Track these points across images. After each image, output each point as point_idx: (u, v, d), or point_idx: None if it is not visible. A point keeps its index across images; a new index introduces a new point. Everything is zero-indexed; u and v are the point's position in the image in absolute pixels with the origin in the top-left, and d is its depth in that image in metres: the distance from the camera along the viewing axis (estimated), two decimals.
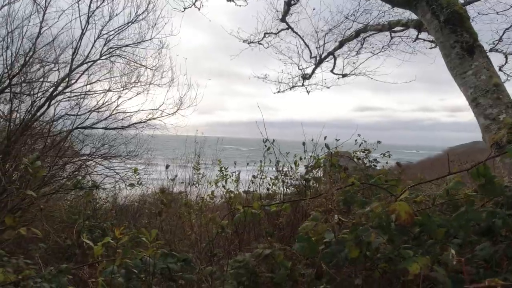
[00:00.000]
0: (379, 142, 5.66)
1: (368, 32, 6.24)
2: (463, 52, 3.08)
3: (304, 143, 5.15)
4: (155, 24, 8.25)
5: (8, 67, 7.30)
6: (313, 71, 7.54)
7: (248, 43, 7.89)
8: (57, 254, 5.34)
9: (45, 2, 7.38)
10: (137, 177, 6.97)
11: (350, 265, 2.01)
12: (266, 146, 5.02)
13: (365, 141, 5.51)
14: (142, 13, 8.12)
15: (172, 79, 8.61)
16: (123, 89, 8.40)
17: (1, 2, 7.30)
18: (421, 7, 3.36)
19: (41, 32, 7.39)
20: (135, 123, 8.47)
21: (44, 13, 7.35)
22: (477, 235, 2.38)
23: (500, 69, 7.51)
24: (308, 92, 8.00)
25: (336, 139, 5.31)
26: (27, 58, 7.46)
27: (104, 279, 2.41)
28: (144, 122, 8.50)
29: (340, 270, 2.05)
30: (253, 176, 5.68)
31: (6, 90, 7.33)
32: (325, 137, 5.66)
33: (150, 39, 8.23)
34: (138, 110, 8.53)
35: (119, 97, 8.36)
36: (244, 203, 3.60)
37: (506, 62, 7.41)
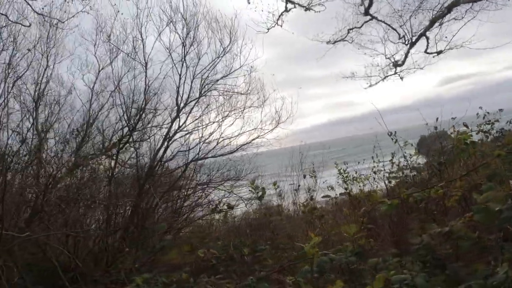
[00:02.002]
0: (501, 110, 5.44)
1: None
2: None
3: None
4: (241, 52, 8.88)
5: (127, 121, 8.45)
6: (406, 56, 7.52)
7: (332, 43, 8.12)
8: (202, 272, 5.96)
9: (145, 58, 8.47)
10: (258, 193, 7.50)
11: None
12: (392, 139, 5.13)
13: (488, 113, 5.34)
14: (227, 46, 8.83)
15: (264, 98, 9.16)
16: (223, 118, 9.14)
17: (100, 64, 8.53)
18: None
19: (149, 85, 8.46)
20: (241, 145, 9.12)
21: (146, 69, 8.42)
22: None
23: None
24: (401, 78, 7.97)
25: (452, 118, 5.26)
26: (141, 111, 8.56)
27: (304, 278, 2.84)
28: (249, 143, 9.11)
29: None
30: (374, 172, 5.87)
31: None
32: (437, 119, 5.69)
33: (239, 67, 8.86)
34: (240, 134, 9.20)
35: (220, 125, 9.12)
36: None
37: None
